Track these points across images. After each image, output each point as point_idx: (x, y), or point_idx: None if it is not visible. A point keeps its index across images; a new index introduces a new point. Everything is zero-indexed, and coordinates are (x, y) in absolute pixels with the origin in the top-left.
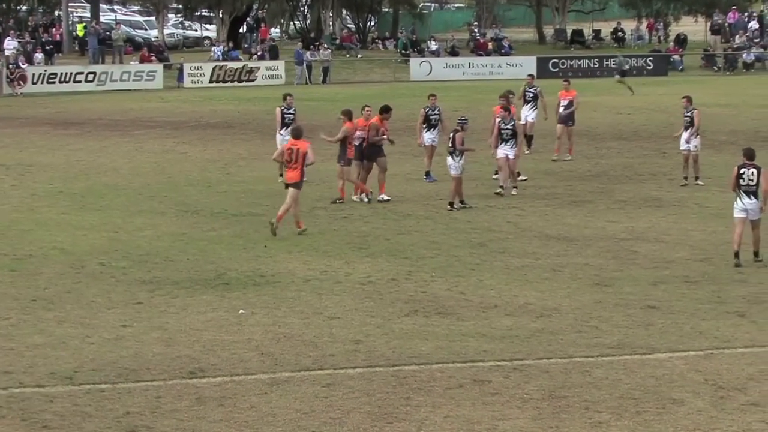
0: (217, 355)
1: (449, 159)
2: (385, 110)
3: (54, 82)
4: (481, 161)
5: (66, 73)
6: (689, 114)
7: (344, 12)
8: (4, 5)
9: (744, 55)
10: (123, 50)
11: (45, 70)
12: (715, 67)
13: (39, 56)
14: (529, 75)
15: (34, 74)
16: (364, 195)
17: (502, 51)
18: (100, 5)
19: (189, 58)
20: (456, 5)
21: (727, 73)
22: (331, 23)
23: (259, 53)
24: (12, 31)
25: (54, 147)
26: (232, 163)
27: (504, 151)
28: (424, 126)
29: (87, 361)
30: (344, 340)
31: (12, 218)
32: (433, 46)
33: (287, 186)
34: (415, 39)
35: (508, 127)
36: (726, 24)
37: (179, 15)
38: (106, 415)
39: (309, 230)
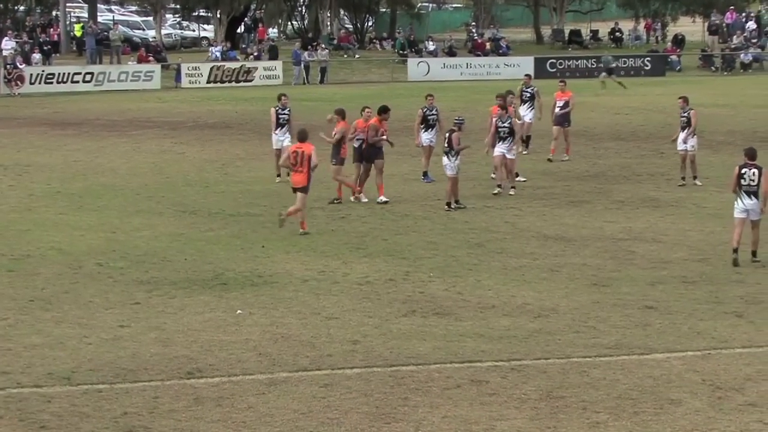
0: (214, 355)
1: (445, 159)
2: (384, 111)
3: (52, 83)
4: (478, 161)
5: (63, 74)
6: (686, 114)
7: (342, 12)
8: (1, 5)
9: (741, 56)
10: (121, 50)
11: (43, 71)
12: (712, 68)
13: (36, 56)
14: (526, 75)
15: (31, 74)
16: (360, 195)
17: (500, 51)
18: (98, 5)
19: (186, 59)
20: (454, 5)
21: (725, 73)
22: (328, 23)
23: (255, 53)
24: (9, 32)
25: (52, 147)
26: (229, 163)
27: (501, 149)
28: (422, 126)
29: (85, 361)
30: (342, 340)
31: (10, 218)
32: (431, 46)
33: (295, 190)
34: (413, 39)
35: (505, 125)
36: (723, 24)
37: (177, 15)
38: (104, 416)
39: (308, 231)
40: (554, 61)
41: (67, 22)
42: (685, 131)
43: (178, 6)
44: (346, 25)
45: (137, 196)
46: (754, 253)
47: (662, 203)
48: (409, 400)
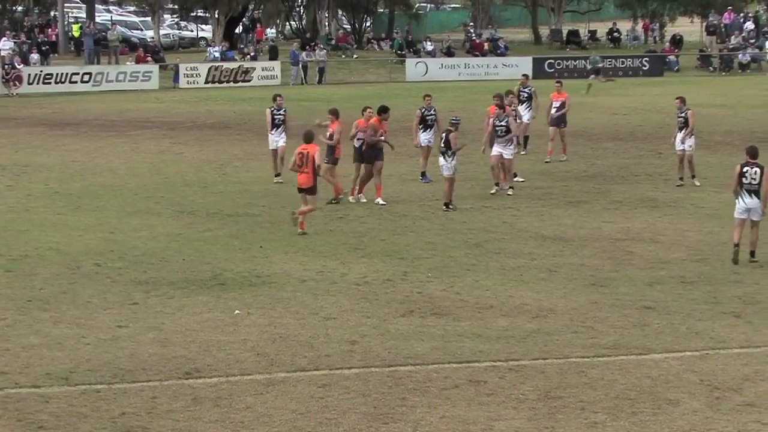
0: (212, 355)
1: (441, 159)
2: (383, 110)
3: (50, 83)
4: (476, 162)
5: (62, 74)
6: (683, 114)
7: (340, 12)
8: None
9: (739, 56)
10: (119, 51)
11: (41, 71)
12: (710, 68)
13: (35, 57)
14: (524, 75)
15: (29, 75)
16: (360, 195)
17: (498, 51)
18: (96, 6)
19: (185, 59)
20: (452, 6)
21: (723, 73)
22: (326, 24)
23: (252, 53)
24: (8, 32)
25: (50, 147)
26: (228, 163)
27: (498, 149)
28: (420, 127)
29: (83, 361)
30: (340, 340)
31: (8, 219)
32: (429, 46)
33: (301, 191)
34: (411, 39)
35: (502, 124)
36: (721, 24)
37: (175, 15)
38: (102, 416)
39: (306, 232)
40: (552, 61)
41: (65, 23)
42: (683, 131)
43: (176, 6)
44: (344, 26)
45: (135, 197)
46: (752, 254)
47: (660, 203)
48: (407, 400)
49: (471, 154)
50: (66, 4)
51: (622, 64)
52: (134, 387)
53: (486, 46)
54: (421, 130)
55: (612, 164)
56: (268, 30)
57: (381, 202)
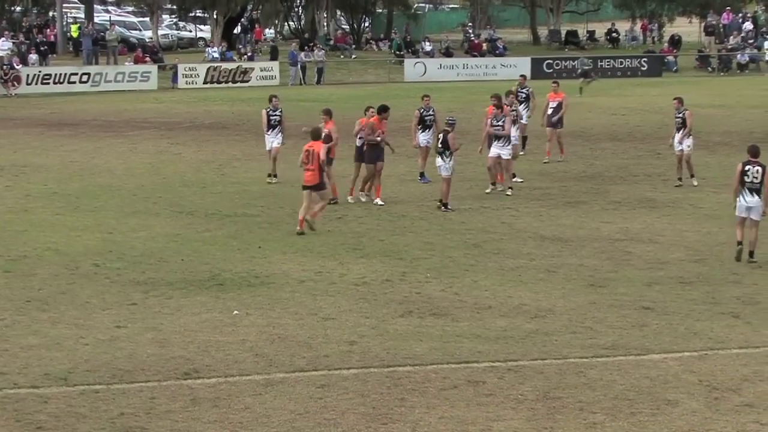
0: (211, 356)
1: (439, 159)
2: (384, 110)
3: (48, 83)
4: (474, 162)
5: (60, 74)
6: (681, 115)
7: (338, 13)
8: None
9: (738, 56)
10: (117, 51)
11: (39, 71)
12: (709, 68)
13: (33, 57)
14: (521, 75)
15: (28, 75)
16: (361, 194)
17: (497, 52)
18: (95, 6)
19: (183, 59)
20: (450, 6)
21: (722, 74)
22: (325, 24)
23: (249, 54)
24: (6, 32)
25: (48, 148)
26: (226, 164)
27: (496, 150)
28: (419, 127)
29: (81, 362)
30: (339, 341)
31: (6, 219)
32: (428, 46)
33: (306, 188)
34: (410, 40)
35: (499, 124)
36: (720, 25)
37: (173, 16)
38: (101, 416)
39: (304, 232)
40: (551, 61)
41: (64, 23)
42: (681, 132)
43: (174, 7)
44: (343, 26)
45: (134, 197)
46: (751, 254)
47: (659, 204)
48: (406, 400)
49: (469, 154)
50: (64, 5)
51: (620, 65)
52: (133, 387)
53: (484, 46)
54: (420, 131)
55: (610, 164)
56: (267, 30)
57: (379, 202)
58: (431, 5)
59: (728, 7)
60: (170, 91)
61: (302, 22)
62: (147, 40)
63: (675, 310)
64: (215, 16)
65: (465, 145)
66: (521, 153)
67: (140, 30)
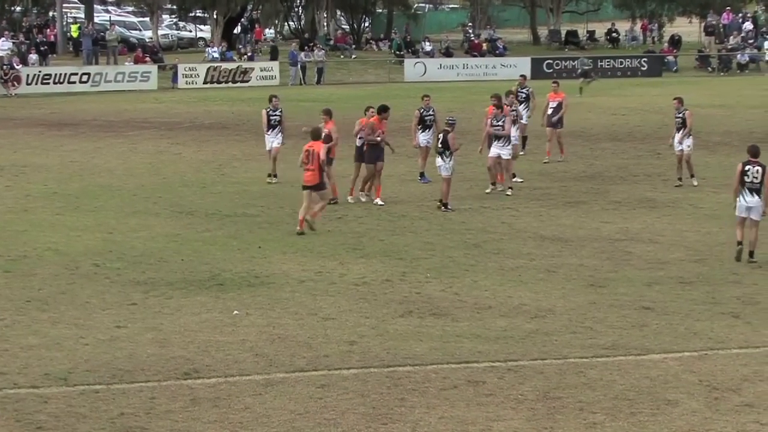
0: (211, 356)
1: (439, 159)
2: (384, 110)
3: (48, 83)
4: (474, 162)
5: (60, 74)
6: (681, 115)
7: (338, 13)
8: None
9: (738, 56)
10: (117, 51)
11: (39, 71)
12: (709, 68)
13: (33, 57)
14: (521, 75)
15: (28, 75)
16: (361, 194)
17: (497, 52)
18: (95, 6)
19: (183, 59)
20: (450, 6)
21: (721, 74)
22: (325, 24)
23: (249, 54)
24: (6, 32)
25: (48, 148)
26: (226, 164)
27: (496, 150)
28: (419, 127)
29: (81, 362)
30: (339, 341)
31: (6, 219)
32: (428, 46)
33: (306, 188)
34: (410, 40)
35: (499, 124)
36: (720, 25)
37: (173, 16)
38: (101, 416)
39: (304, 232)
40: (551, 61)
41: (64, 23)
42: (681, 132)
43: (174, 7)
44: (343, 26)
45: (134, 197)
46: (751, 254)
47: (659, 204)
48: (406, 400)
49: (469, 154)
50: (64, 5)
51: (620, 65)
52: (133, 387)
53: (484, 46)
54: (420, 131)
55: (610, 164)
56: (267, 30)
57: (379, 202)
58: (431, 5)
59: (728, 7)
60: (170, 91)
61: (302, 22)
62: (147, 40)
63: (675, 310)
64: (215, 16)
65: (465, 145)
66: (521, 153)
67: (140, 30)
